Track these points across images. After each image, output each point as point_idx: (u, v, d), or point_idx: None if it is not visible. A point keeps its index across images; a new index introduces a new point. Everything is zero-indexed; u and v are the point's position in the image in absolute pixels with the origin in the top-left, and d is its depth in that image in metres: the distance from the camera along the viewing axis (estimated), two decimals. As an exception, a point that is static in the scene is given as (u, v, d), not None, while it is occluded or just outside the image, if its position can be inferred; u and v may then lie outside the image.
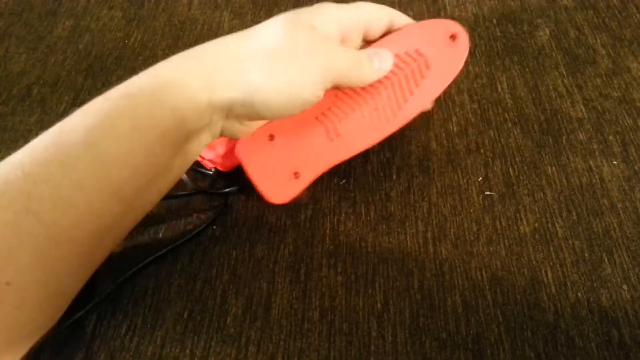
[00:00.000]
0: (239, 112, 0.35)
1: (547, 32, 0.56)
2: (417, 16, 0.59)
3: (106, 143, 0.31)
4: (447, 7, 0.60)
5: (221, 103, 0.34)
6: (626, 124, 0.47)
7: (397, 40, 0.41)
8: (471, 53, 0.55)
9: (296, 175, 0.41)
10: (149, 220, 0.44)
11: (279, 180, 0.41)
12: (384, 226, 0.43)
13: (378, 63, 0.40)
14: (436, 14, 0.59)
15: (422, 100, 0.42)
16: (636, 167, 0.44)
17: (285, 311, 0.39)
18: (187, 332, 0.38)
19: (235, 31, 0.36)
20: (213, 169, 0.45)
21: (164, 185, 0.36)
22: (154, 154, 0.33)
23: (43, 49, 0.57)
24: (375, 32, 0.41)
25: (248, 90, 0.34)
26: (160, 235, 0.43)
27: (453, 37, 0.41)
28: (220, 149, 0.43)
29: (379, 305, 0.39)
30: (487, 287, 0.39)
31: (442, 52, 0.41)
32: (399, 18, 0.41)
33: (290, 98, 0.35)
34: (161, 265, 0.42)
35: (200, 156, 0.44)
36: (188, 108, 0.33)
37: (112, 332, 0.39)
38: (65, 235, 0.31)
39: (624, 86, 0.50)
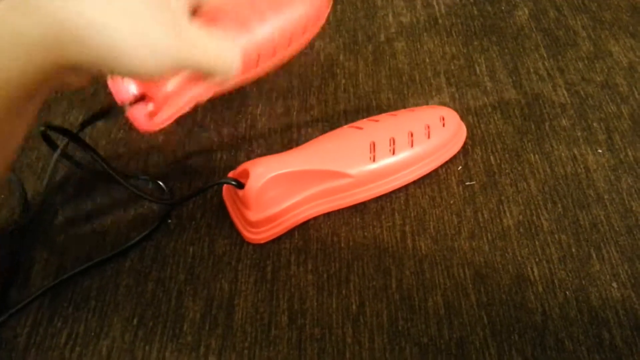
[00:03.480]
0: (72, 55, 0.24)
1: (526, 11, 0.53)
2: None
3: None
4: (422, -18, 0.56)
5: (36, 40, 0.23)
6: (610, 110, 0.45)
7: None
8: (447, 33, 0.51)
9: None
10: (92, 213, 0.40)
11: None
12: (357, 219, 0.39)
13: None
14: (409, -10, 0.55)
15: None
16: (622, 156, 0.42)
17: (249, 315, 0.35)
18: (137, 340, 0.34)
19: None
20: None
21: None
22: None
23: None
24: None
25: (77, 21, 0.23)
26: (106, 229, 0.38)
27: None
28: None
29: (354, 307, 0.35)
30: (471, 285, 0.36)
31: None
32: None
33: (143, 39, 0.25)
34: (106, 262, 0.37)
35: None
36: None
37: (49, 342, 0.34)
38: None
39: (606, 70, 0.48)
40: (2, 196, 0.39)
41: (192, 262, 0.37)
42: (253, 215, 0.36)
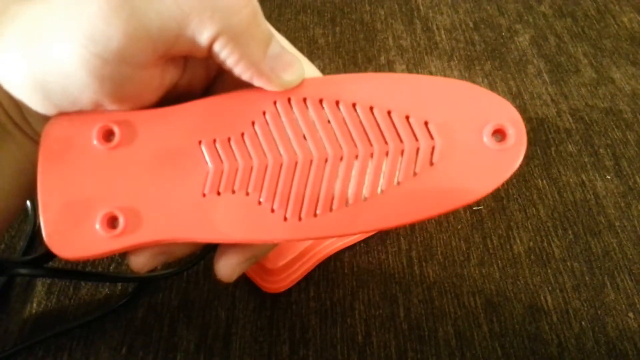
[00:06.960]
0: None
1: (527, 38, 0.52)
2: (389, 16, 0.55)
3: None
4: (421, 7, 0.56)
5: None
6: (615, 137, 0.44)
7: (398, 94, 0.22)
8: (449, 57, 0.51)
9: (109, 222, 0.21)
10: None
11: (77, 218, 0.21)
12: (361, 243, 0.37)
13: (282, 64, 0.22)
14: (409, 14, 0.55)
15: (402, 203, 0.21)
16: (630, 183, 0.41)
17: (248, 345, 0.32)
18: (126, 372, 0.31)
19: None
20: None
21: None
22: None
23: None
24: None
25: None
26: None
27: (499, 132, 0.21)
28: None
29: (359, 337, 0.33)
30: (482, 315, 0.34)
31: (469, 149, 0.21)
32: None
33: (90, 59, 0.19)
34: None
35: None
36: None
37: (28, 373, 0.31)
38: None
39: (609, 97, 0.47)
40: None
41: (185, 287, 0.35)
42: (271, 263, 0.33)
